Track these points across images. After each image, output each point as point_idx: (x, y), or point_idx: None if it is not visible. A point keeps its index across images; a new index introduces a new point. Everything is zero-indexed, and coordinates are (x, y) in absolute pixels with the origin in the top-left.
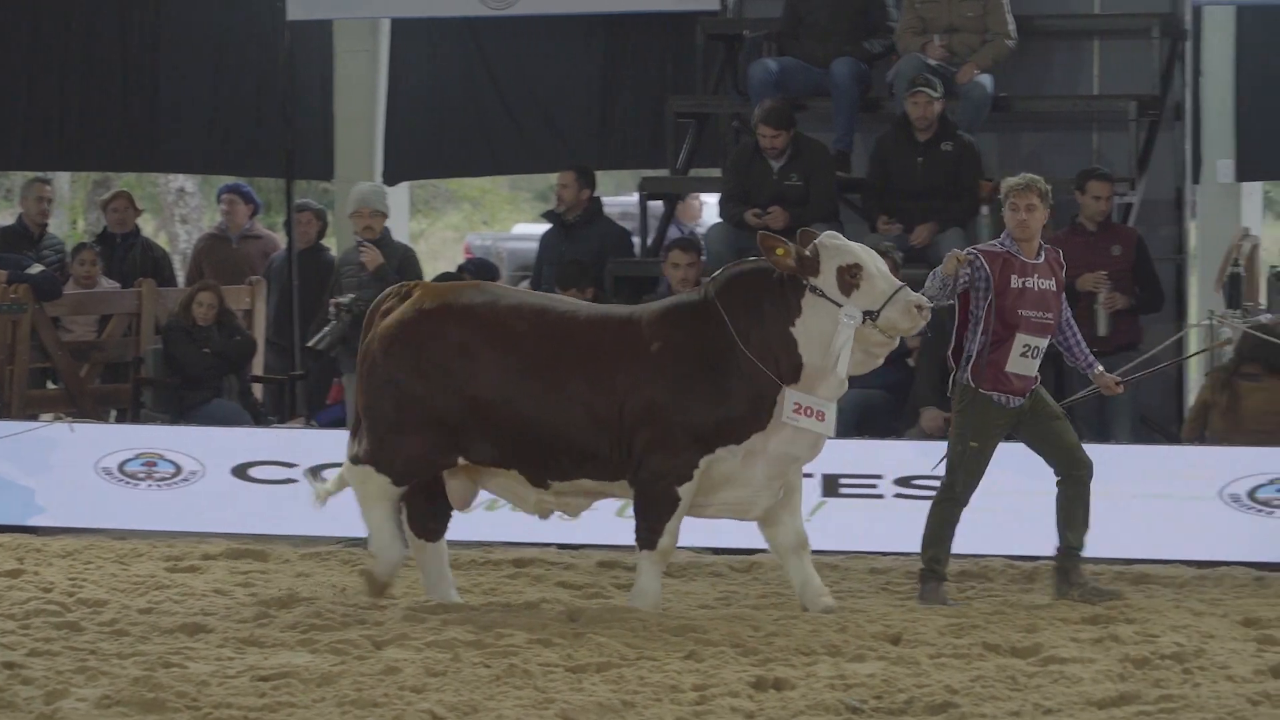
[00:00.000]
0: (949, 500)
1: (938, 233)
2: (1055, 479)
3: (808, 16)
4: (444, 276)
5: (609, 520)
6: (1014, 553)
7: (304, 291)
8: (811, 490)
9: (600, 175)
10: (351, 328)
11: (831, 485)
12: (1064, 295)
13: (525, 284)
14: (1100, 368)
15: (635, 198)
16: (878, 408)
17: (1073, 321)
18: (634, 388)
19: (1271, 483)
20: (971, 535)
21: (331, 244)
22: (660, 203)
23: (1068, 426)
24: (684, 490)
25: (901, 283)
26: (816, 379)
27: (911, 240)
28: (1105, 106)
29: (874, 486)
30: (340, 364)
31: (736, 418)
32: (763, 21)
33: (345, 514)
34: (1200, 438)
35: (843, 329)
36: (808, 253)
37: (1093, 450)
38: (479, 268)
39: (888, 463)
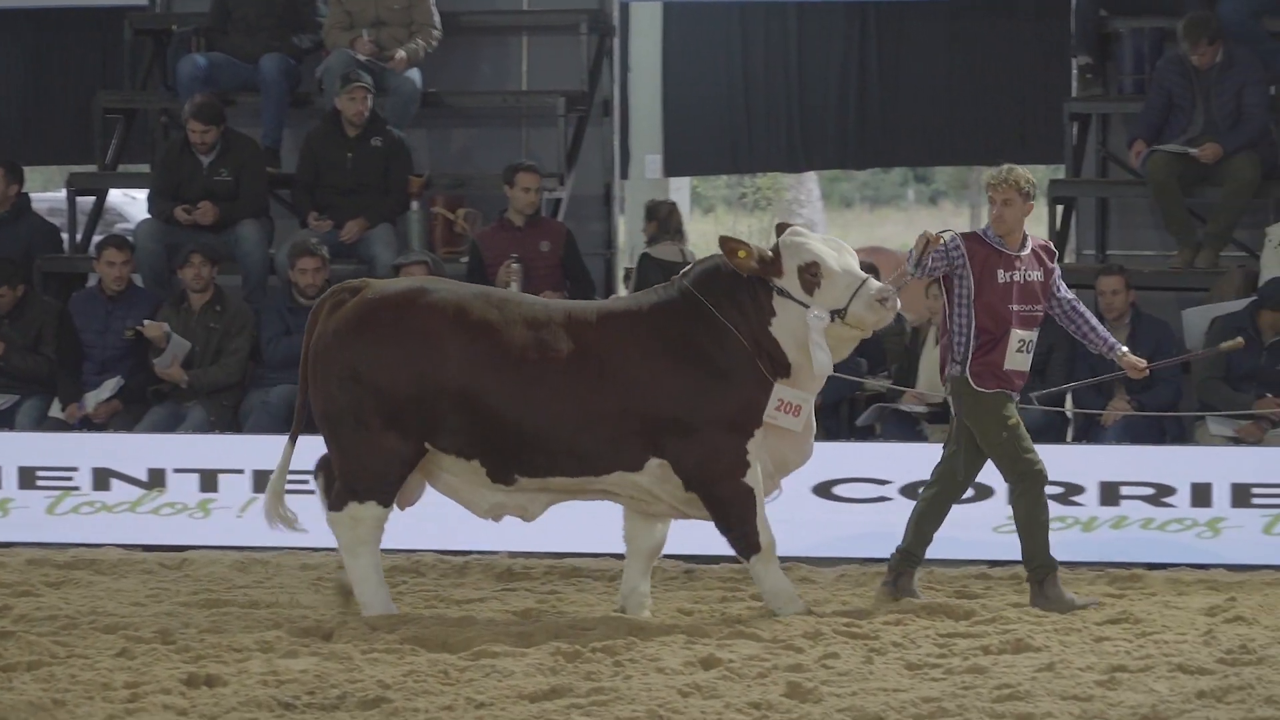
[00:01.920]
0: (1030, 487)
1: (368, 228)
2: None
3: (236, 12)
4: None
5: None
6: (446, 547)
7: None
8: (242, 485)
9: (28, 171)
10: None
11: (263, 480)
12: (1063, 285)
13: None
14: (1124, 349)
15: (64, 194)
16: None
17: (1079, 307)
18: (639, 391)
19: None
20: (403, 530)
21: None
22: (90, 199)
23: (1022, 430)
24: (750, 478)
25: (865, 275)
26: (801, 376)
27: (342, 236)
28: (534, 102)
29: (306, 483)
30: None
31: (752, 400)
32: (191, 16)
33: None
34: None
35: (812, 330)
36: (769, 253)
37: None
38: None
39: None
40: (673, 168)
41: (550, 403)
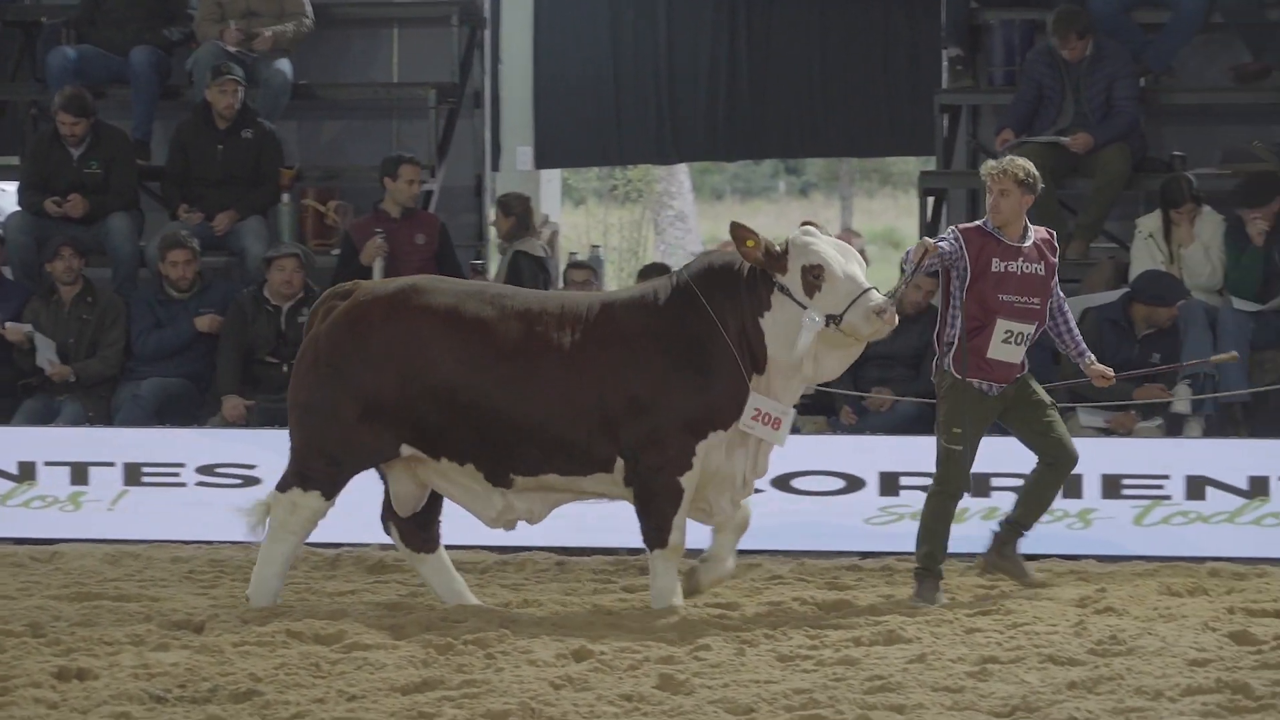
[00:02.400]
0: (941, 493)
1: (238, 220)
2: (1038, 462)
3: (106, 3)
4: None
5: None
6: (317, 540)
7: None
8: (113, 479)
9: None
10: None
11: (134, 474)
12: (1056, 281)
13: None
14: (1091, 357)
15: None
16: (179, 396)
17: (1065, 308)
18: (616, 377)
19: None
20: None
21: None
22: None
23: (1057, 416)
24: (686, 480)
25: (867, 285)
26: (777, 375)
27: (214, 228)
28: (405, 94)
29: (176, 475)
30: None
31: (722, 403)
32: (61, 8)
33: None
34: None
35: (805, 332)
36: (778, 248)
37: None
38: None
39: (190, 451)
40: (544, 160)
41: (539, 398)
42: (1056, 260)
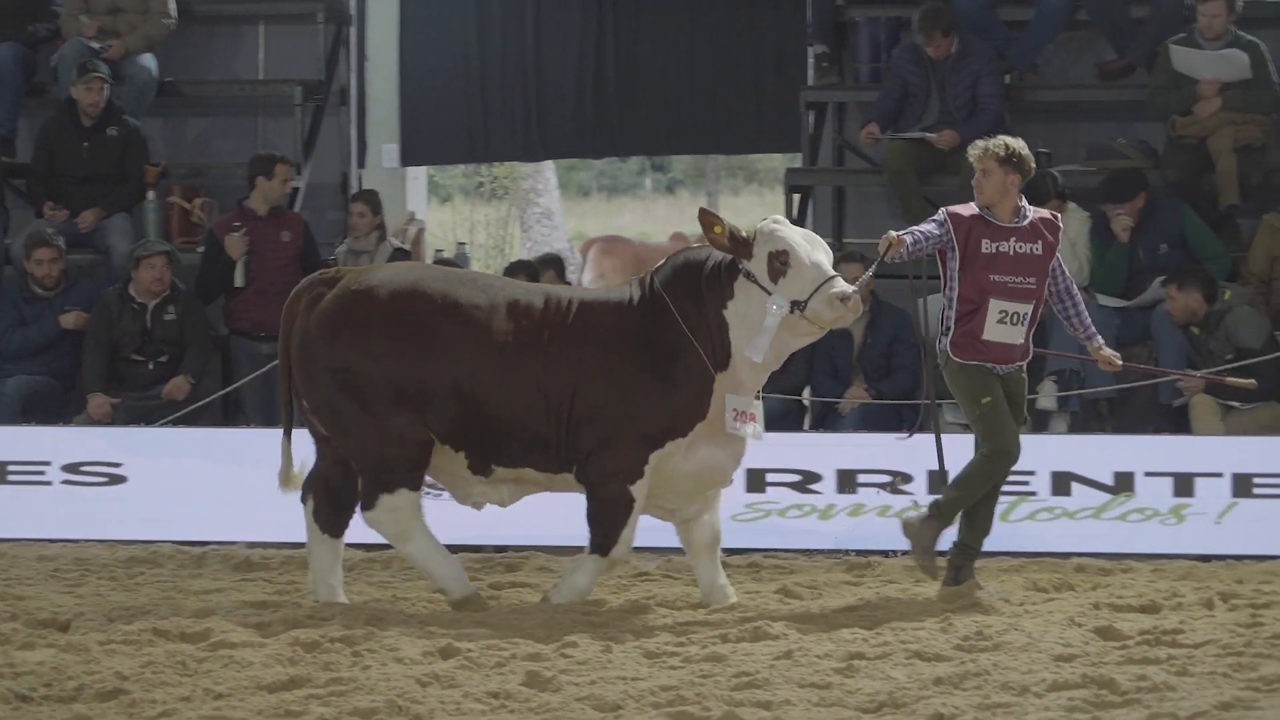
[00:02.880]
0: (995, 457)
1: (104, 218)
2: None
3: None
4: None
5: None
6: (183, 538)
7: None
8: None
9: None
10: None
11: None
12: (1062, 263)
13: None
14: (1100, 340)
15: None
16: (44, 394)
17: (1073, 289)
18: (584, 378)
19: None
20: (141, 522)
21: None
22: None
23: (1019, 423)
24: (637, 489)
25: (832, 273)
26: (742, 366)
27: (79, 225)
28: (270, 92)
29: (42, 473)
30: None
31: (684, 410)
32: None
33: None
34: None
35: (770, 318)
36: (744, 234)
37: None
38: None
39: (55, 449)
40: (410, 157)
41: (520, 392)
42: (1058, 241)
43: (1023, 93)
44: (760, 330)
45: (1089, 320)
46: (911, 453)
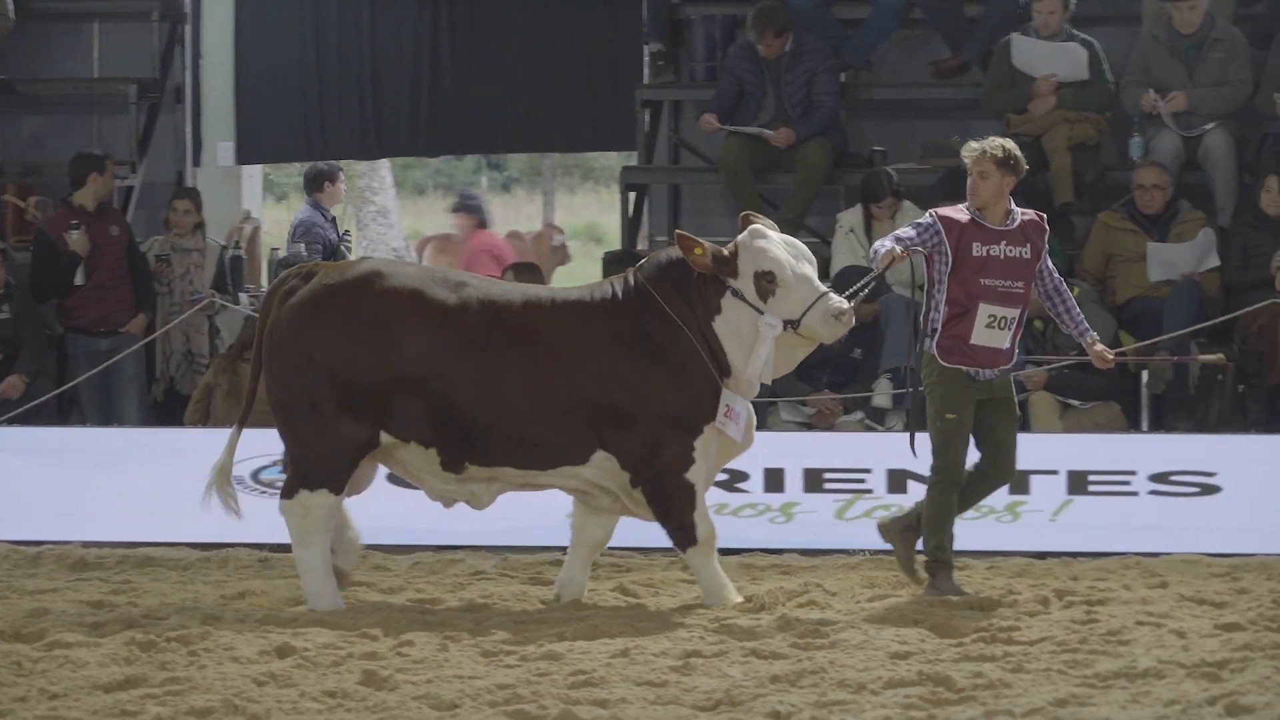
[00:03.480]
0: (942, 482)
1: None
2: (975, 467)
3: None
4: None
5: None
6: (18, 538)
7: None
8: None
9: None
10: None
11: None
12: (1050, 262)
13: None
14: (1094, 336)
15: None
16: None
17: (1062, 288)
18: (590, 383)
19: (274, 464)
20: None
21: None
22: None
23: (1015, 431)
24: (693, 474)
25: (824, 289)
26: (739, 378)
27: None
28: (105, 90)
29: None
30: None
31: (702, 397)
32: None
33: None
34: (204, 419)
35: (763, 339)
36: (726, 253)
37: None
38: None
39: None
40: (245, 155)
41: (501, 391)
42: (1044, 244)
43: (858, 90)
44: (759, 353)
45: (1081, 316)
46: (748, 451)
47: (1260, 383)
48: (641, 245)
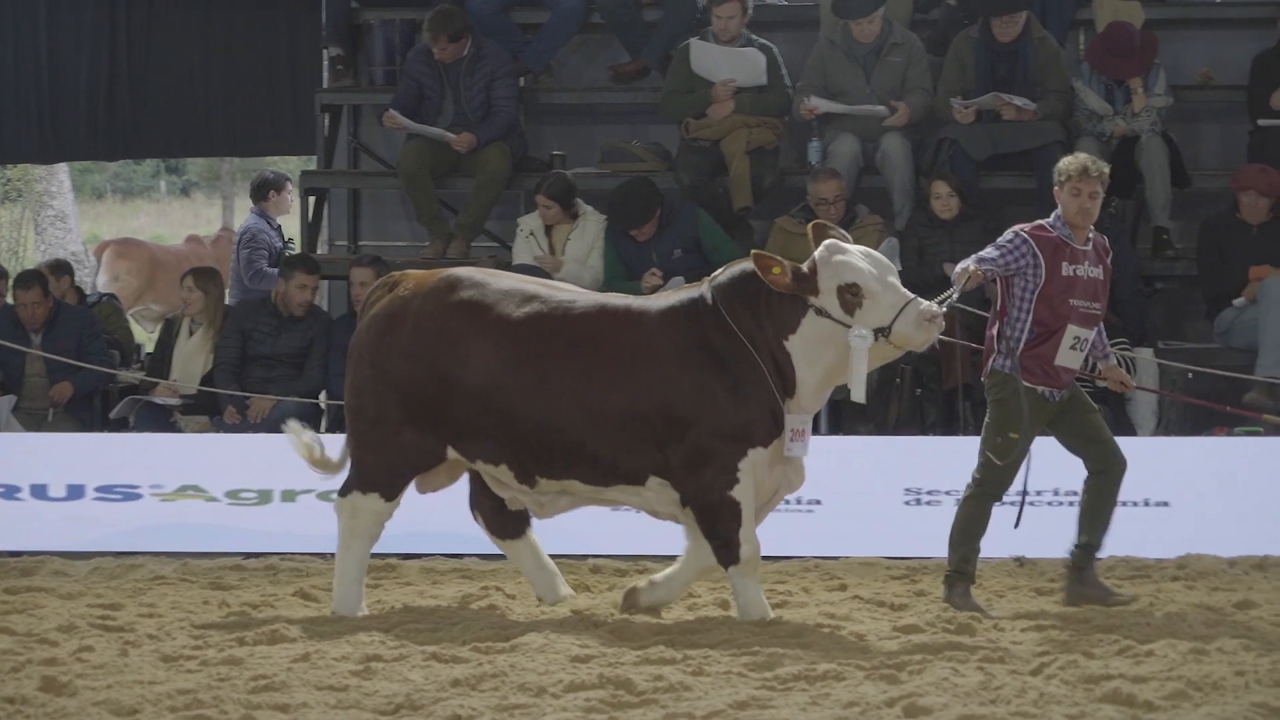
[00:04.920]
0: (983, 495)
1: None
2: (1087, 474)
3: None
4: None
5: None
6: None
7: None
8: None
9: None
10: None
11: None
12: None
13: None
14: (1115, 360)
15: None
16: None
17: None
18: (647, 393)
19: None
20: None
21: None
22: None
23: (1102, 420)
24: (739, 492)
25: (910, 295)
26: (806, 393)
27: None
28: None
29: None
30: None
31: (758, 419)
32: None
33: None
34: None
35: (855, 351)
36: (805, 269)
37: None
38: None
39: None
40: None
41: (558, 402)
42: (1109, 265)
43: (537, 95)
44: (854, 367)
45: (1105, 339)
46: None
47: (937, 387)
48: (321, 249)
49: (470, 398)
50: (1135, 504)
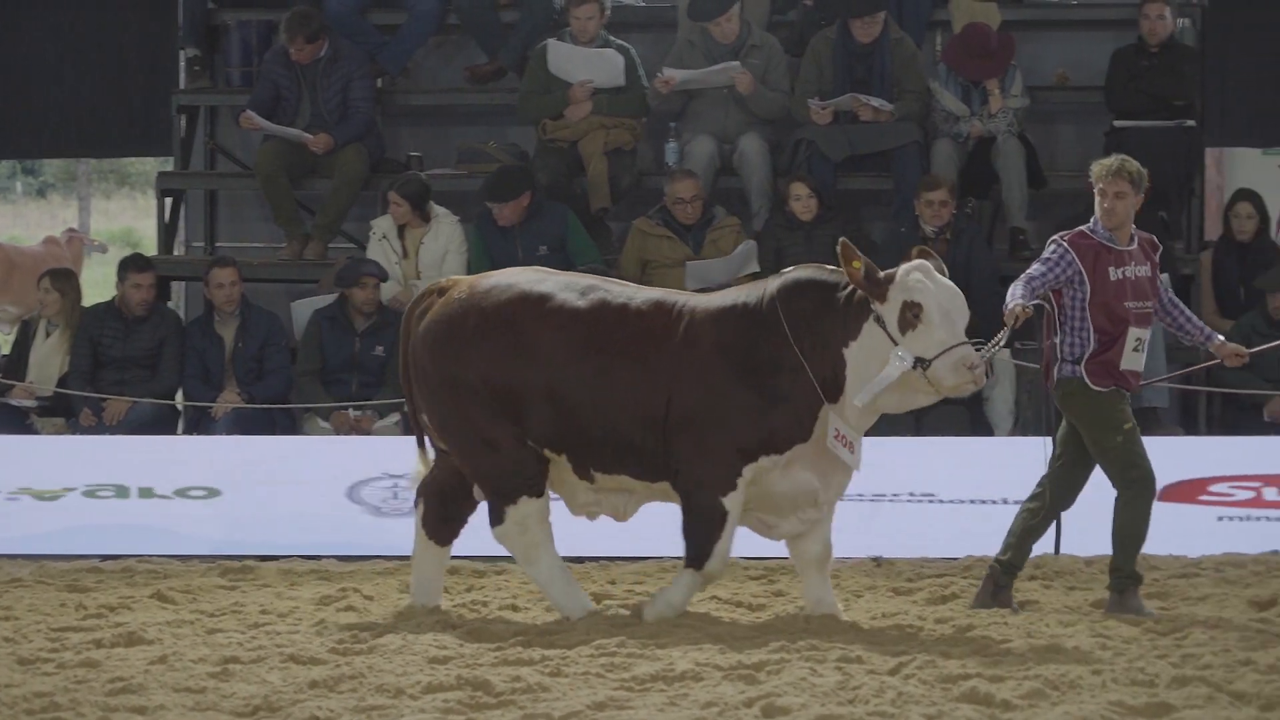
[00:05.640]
0: (1143, 493)
1: None
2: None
3: None
4: None
5: None
6: None
7: None
8: None
9: None
10: None
11: None
12: (1161, 276)
13: None
14: (1221, 338)
15: None
16: None
17: (1176, 299)
18: (679, 386)
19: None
20: None
21: None
22: None
23: (1138, 435)
24: (730, 502)
25: (964, 339)
26: (847, 405)
27: None
28: None
29: None
30: None
31: (782, 428)
32: None
33: None
34: None
35: (891, 367)
36: (882, 275)
37: None
38: None
39: None
40: None
41: (608, 396)
42: (1158, 262)
43: (394, 96)
44: (879, 379)
45: (1201, 321)
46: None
47: None
48: (178, 251)
49: (538, 391)
50: (991, 502)
